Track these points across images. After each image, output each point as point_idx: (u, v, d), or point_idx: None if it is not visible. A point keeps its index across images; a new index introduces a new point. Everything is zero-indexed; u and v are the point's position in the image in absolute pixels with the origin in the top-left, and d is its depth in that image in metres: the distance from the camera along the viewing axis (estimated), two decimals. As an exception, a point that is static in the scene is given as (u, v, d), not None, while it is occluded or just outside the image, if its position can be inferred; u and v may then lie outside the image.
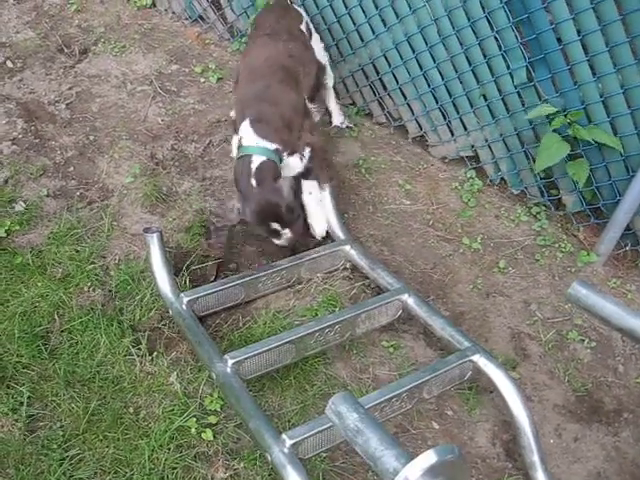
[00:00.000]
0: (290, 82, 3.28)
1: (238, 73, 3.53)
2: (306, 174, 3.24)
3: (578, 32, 3.21)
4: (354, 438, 1.29)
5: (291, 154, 3.12)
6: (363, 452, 1.27)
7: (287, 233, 3.03)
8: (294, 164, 3.17)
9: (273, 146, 3.01)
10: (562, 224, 3.76)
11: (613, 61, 3.17)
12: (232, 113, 3.73)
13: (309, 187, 3.27)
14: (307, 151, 3.20)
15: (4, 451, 2.42)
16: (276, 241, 3.10)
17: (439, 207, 3.78)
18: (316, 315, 2.99)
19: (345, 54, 4.28)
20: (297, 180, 3.25)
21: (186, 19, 4.90)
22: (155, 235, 2.89)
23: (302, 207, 3.22)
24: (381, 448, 1.24)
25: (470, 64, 3.68)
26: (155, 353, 2.80)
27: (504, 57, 3.51)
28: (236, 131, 3.16)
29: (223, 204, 3.12)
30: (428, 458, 1.16)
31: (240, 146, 3.06)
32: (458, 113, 3.90)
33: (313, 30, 3.86)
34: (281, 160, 3.06)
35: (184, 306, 2.82)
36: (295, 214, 3.06)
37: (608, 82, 3.24)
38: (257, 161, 2.96)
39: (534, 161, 3.58)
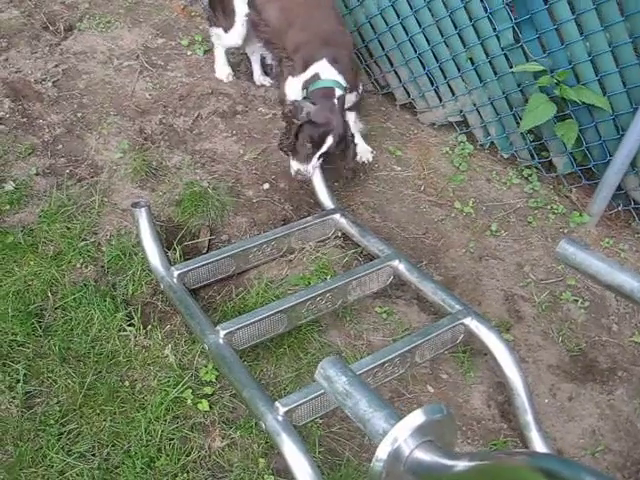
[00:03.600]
0: (341, 21, 3.72)
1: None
2: (352, 107, 3.67)
3: (564, -9, 3.19)
4: (344, 401, 1.28)
5: (350, 91, 3.51)
6: (353, 415, 1.27)
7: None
8: (348, 99, 3.53)
9: (345, 84, 3.41)
10: (554, 186, 3.76)
11: (600, 19, 3.15)
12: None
13: (354, 117, 3.72)
14: (361, 87, 3.71)
15: (2, 428, 2.43)
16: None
17: (430, 172, 3.77)
18: (309, 284, 2.99)
19: (331, 22, 4.24)
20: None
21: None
22: (143, 209, 2.89)
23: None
24: (370, 410, 1.23)
25: (456, 27, 3.66)
26: (149, 327, 2.80)
27: (490, 19, 3.49)
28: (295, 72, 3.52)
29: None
30: (416, 417, 1.14)
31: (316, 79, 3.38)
32: (445, 78, 3.89)
33: None
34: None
35: (175, 279, 2.81)
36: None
37: (596, 40, 3.22)
38: (338, 93, 3.35)
39: (525, 124, 3.57)
